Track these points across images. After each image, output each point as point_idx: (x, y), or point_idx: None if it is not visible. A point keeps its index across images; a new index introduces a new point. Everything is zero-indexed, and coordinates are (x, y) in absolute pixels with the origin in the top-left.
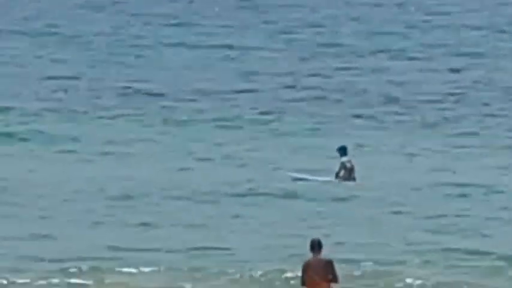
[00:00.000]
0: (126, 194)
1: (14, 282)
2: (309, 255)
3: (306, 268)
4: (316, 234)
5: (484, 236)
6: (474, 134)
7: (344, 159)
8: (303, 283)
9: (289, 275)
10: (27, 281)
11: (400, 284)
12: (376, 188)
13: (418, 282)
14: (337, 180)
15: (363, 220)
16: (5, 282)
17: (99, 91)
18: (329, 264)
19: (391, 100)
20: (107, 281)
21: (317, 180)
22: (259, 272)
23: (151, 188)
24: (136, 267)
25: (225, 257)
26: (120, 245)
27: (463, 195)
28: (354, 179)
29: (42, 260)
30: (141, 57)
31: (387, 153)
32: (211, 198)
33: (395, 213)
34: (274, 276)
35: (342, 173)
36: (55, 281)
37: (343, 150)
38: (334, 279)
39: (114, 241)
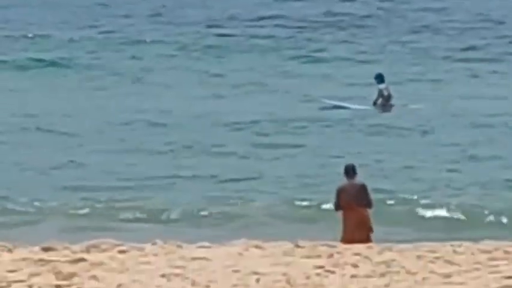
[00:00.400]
0: (158, 122)
1: (50, 209)
2: (344, 180)
3: (340, 193)
4: (351, 161)
5: None
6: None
7: (381, 86)
8: (337, 208)
9: (324, 206)
10: (62, 207)
11: (429, 214)
12: (413, 117)
13: (446, 213)
14: (374, 108)
15: (398, 149)
16: (39, 206)
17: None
18: (363, 189)
19: (426, 27)
20: (140, 207)
21: (354, 108)
22: (293, 200)
23: (183, 117)
24: (167, 194)
25: (257, 185)
26: (153, 173)
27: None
28: (391, 106)
29: (75, 188)
30: None
31: (422, 81)
32: (244, 127)
33: (431, 143)
34: (309, 204)
35: (379, 100)
36: (86, 210)
37: (380, 78)
38: (368, 204)
39: (146, 168)
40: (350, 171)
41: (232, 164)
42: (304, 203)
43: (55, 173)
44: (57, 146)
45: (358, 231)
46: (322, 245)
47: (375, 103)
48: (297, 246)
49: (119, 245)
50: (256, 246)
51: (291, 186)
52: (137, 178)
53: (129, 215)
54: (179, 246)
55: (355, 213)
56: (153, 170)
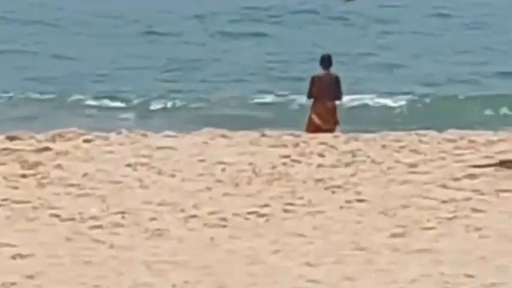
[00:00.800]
0: (124, 13)
1: (16, 97)
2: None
3: (315, 81)
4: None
5: None
6: None
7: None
8: (310, 95)
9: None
10: (28, 95)
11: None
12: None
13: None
14: None
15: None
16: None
17: None
18: (337, 80)
19: None
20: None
21: None
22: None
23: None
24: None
25: (223, 74)
26: (118, 63)
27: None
28: None
29: (41, 78)
30: None
31: None
32: (207, 17)
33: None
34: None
35: None
36: (51, 97)
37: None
38: (339, 96)
39: (111, 58)
40: (326, 60)
41: (194, 52)
42: (268, 95)
43: (22, 61)
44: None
45: (326, 121)
46: (288, 135)
47: None
48: (263, 135)
49: (83, 134)
50: (222, 136)
51: (255, 77)
52: (103, 67)
53: (94, 103)
54: (144, 135)
55: (326, 103)
56: (118, 59)
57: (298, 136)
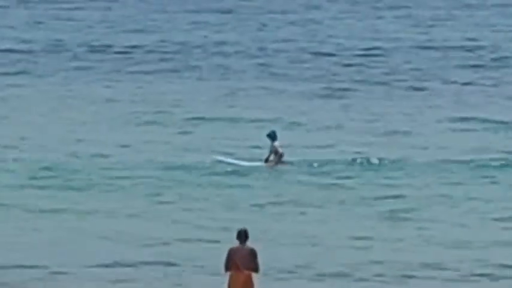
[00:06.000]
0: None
1: None
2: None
3: (231, 255)
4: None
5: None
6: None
7: (276, 143)
8: (226, 268)
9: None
10: None
11: None
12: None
13: None
14: (265, 165)
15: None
16: None
17: None
18: (252, 254)
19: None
20: None
21: (246, 165)
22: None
23: None
24: None
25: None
26: None
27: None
28: (282, 164)
29: None
30: None
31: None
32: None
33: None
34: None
35: (271, 157)
36: None
37: (273, 135)
38: (256, 268)
39: None
40: (242, 235)
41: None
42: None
43: None
44: None
45: None
46: None
47: (266, 160)
48: None
49: None
50: None
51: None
52: None
53: None
54: None
55: (241, 275)
56: None
57: None
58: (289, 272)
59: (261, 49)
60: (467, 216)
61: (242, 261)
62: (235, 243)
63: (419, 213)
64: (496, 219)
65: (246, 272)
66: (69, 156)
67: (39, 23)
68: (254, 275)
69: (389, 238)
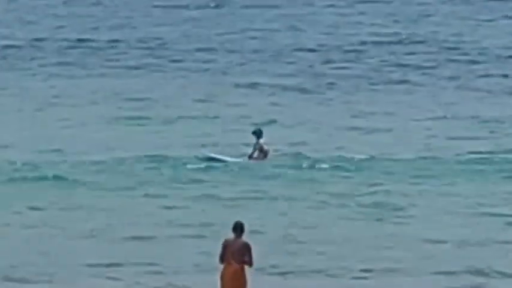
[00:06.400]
0: None
1: None
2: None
3: (225, 247)
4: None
5: None
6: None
7: (261, 141)
8: (221, 260)
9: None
10: None
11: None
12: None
13: None
14: (250, 161)
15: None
16: None
17: None
18: (246, 247)
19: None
20: None
21: (230, 161)
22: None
23: None
24: None
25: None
26: None
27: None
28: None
29: None
30: None
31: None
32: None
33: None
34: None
35: (255, 154)
36: None
37: (259, 133)
38: (250, 262)
39: None
40: (238, 228)
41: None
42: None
43: None
44: None
45: (234, 285)
46: None
47: (250, 157)
48: None
49: None
50: None
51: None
52: None
53: None
54: None
55: (230, 268)
56: None
57: None
58: (273, 267)
59: (243, 45)
60: (449, 212)
61: (233, 254)
62: (217, 237)
63: (401, 209)
64: (478, 215)
65: (236, 265)
66: (49, 152)
67: (22, 18)
68: (247, 269)
69: (372, 234)
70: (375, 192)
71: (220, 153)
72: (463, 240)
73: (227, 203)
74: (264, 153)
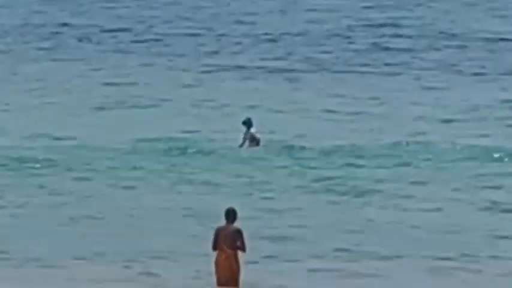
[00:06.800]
0: None
1: None
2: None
3: (218, 234)
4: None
5: None
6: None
7: (252, 130)
8: (214, 248)
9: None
10: None
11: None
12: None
13: None
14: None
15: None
16: None
17: None
18: (239, 233)
19: None
20: None
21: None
22: None
23: None
24: None
25: None
26: None
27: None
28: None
29: None
30: None
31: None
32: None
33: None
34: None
35: (246, 143)
36: None
37: (249, 122)
38: (243, 248)
39: None
40: (230, 214)
41: None
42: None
43: None
44: None
45: (227, 271)
46: None
47: (241, 146)
48: None
49: None
50: None
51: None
52: None
53: None
54: None
55: (223, 254)
56: None
57: None
58: (265, 257)
59: (218, 29)
60: (433, 197)
61: (225, 240)
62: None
63: (383, 193)
64: (461, 201)
65: (228, 251)
66: (28, 138)
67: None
68: (240, 255)
69: (353, 218)
70: (358, 177)
71: (209, 140)
72: (444, 224)
73: (206, 188)
74: (256, 142)
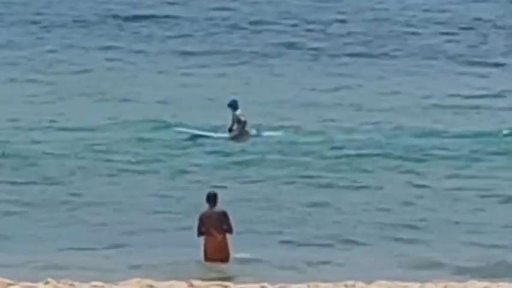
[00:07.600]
0: None
1: None
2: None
3: (202, 220)
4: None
5: None
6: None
7: (237, 112)
8: (199, 234)
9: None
10: None
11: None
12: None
13: None
14: (230, 135)
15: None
16: None
17: None
18: (224, 216)
19: None
20: None
21: (215, 137)
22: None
23: None
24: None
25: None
26: None
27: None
28: (247, 133)
29: None
30: None
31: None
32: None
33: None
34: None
35: (235, 126)
36: None
37: (234, 104)
38: (229, 229)
39: None
40: (212, 198)
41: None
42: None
43: None
44: None
45: (217, 255)
46: (216, 285)
47: (230, 129)
48: (190, 285)
49: (11, 284)
50: (149, 286)
51: None
52: None
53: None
54: (72, 286)
55: (215, 239)
56: None
57: (225, 287)
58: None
59: (211, 15)
60: (409, 187)
61: (214, 225)
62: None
63: (361, 183)
64: (438, 190)
65: (219, 235)
66: (9, 128)
67: None
68: (228, 237)
69: (334, 205)
70: (336, 168)
71: (195, 128)
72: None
73: (192, 177)
74: (242, 124)
